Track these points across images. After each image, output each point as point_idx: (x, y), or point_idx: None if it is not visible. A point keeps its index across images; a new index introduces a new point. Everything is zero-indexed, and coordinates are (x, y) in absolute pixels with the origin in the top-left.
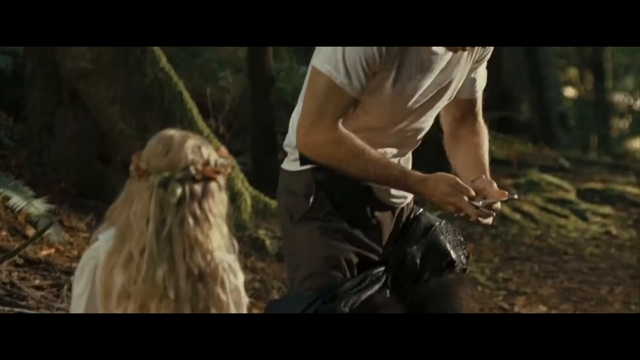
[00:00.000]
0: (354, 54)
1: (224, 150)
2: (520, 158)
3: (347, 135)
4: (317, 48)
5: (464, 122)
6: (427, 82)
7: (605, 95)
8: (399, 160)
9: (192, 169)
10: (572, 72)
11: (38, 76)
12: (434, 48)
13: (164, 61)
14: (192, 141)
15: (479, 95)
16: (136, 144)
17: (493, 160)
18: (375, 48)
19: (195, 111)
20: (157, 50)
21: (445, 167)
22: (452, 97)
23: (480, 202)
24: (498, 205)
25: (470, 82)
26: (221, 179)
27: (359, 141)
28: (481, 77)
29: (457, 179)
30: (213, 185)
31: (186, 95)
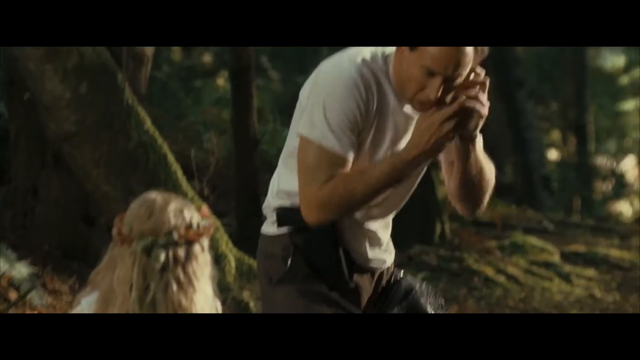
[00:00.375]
0: (337, 114)
1: (205, 209)
2: (504, 220)
3: (335, 179)
4: (297, 114)
5: None
6: (403, 144)
7: (588, 158)
8: (378, 223)
9: (175, 234)
10: (555, 134)
11: (22, 138)
12: (408, 111)
13: (148, 123)
14: (174, 204)
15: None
16: (120, 206)
17: (477, 223)
18: (355, 106)
19: (179, 173)
20: (142, 112)
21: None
22: (431, 161)
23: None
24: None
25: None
26: (204, 241)
27: (346, 173)
28: None
29: (423, 114)
30: (196, 247)
31: (171, 158)
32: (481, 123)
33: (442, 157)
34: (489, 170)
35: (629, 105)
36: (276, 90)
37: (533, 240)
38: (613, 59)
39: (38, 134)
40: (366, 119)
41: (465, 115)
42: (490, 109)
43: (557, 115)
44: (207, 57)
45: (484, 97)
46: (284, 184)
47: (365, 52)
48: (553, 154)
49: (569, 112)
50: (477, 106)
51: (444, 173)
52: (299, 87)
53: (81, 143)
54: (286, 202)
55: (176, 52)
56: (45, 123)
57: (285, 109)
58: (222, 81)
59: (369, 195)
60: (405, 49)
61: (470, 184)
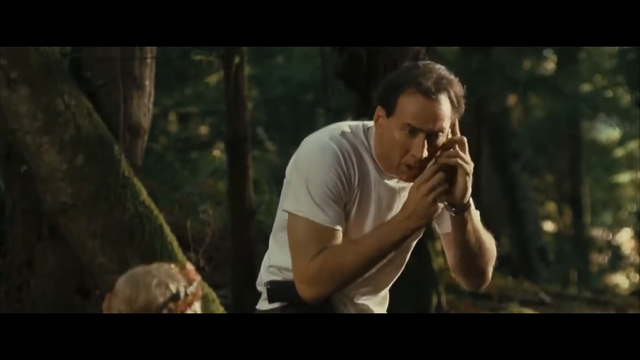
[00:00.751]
0: (319, 187)
1: (190, 271)
2: (501, 292)
3: (325, 251)
4: (284, 189)
5: None
6: (388, 218)
7: (583, 230)
8: (371, 300)
9: (164, 311)
10: (551, 206)
11: (19, 211)
12: (390, 183)
13: (144, 195)
14: (156, 280)
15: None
16: (115, 277)
17: (473, 294)
18: (336, 177)
19: (175, 244)
20: (138, 184)
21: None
22: (420, 234)
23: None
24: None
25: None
26: (196, 305)
27: (336, 246)
28: None
29: (412, 184)
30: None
31: (166, 229)
32: (469, 183)
33: (439, 230)
34: (489, 241)
35: (623, 177)
36: (272, 162)
37: (529, 312)
38: (607, 132)
39: (34, 206)
40: (349, 190)
41: (449, 175)
42: (485, 180)
43: (552, 187)
44: (203, 129)
45: (465, 155)
46: (274, 259)
47: (346, 126)
48: (549, 226)
49: (564, 185)
50: (459, 162)
51: (444, 248)
52: None
53: (77, 215)
54: (277, 277)
55: (173, 124)
56: (42, 195)
57: (282, 180)
58: (218, 152)
59: (361, 266)
60: (382, 117)
61: (471, 255)
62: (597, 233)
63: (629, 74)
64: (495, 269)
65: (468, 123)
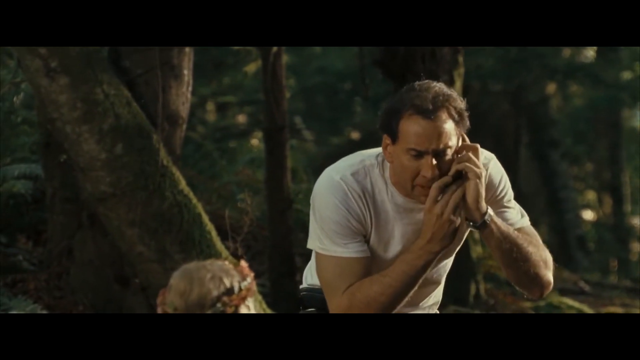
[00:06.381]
0: (332, 225)
1: (244, 266)
2: None
3: (353, 286)
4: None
5: None
6: (408, 230)
7: (624, 218)
8: (415, 309)
9: (219, 306)
10: (590, 195)
11: (58, 200)
12: (415, 210)
13: (183, 184)
14: (210, 274)
15: (521, 225)
16: (154, 266)
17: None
18: (345, 213)
19: (213, 233)
20: (176, 173)
21: None
22: (453, 254)
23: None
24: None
25: None
26: (250, 301)
27: (364, 280)
28: (509, 213)
29: (426, 209)
30: (242, 309)
31: (205, 218)
32: (481, 188)
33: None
34: (530, 243)
35: None
36: (310, 150)
37: (569, 302)
38: None
39: (74, 195)
40: (362, 225)
41: (461, 186)
42: (524, 168)
43: (592, 175)
44: (241, 118)
45: (476, 159)
46: (313, 277)
47: (360, 160)
48: (588, 215)
49: (604, 173)
50: (468, 165)
51: None
52: (332, 147)
53: (116, 204)
54: (314, 286)
55: (211, 113)
56: (81, 184)
57: (319, 168)
58: (256, 141)
59: (391, 296)
60: (389, 145)
61: (512, 261)
62: (637, 222)
63: None
64: None
65: (507, 111)
